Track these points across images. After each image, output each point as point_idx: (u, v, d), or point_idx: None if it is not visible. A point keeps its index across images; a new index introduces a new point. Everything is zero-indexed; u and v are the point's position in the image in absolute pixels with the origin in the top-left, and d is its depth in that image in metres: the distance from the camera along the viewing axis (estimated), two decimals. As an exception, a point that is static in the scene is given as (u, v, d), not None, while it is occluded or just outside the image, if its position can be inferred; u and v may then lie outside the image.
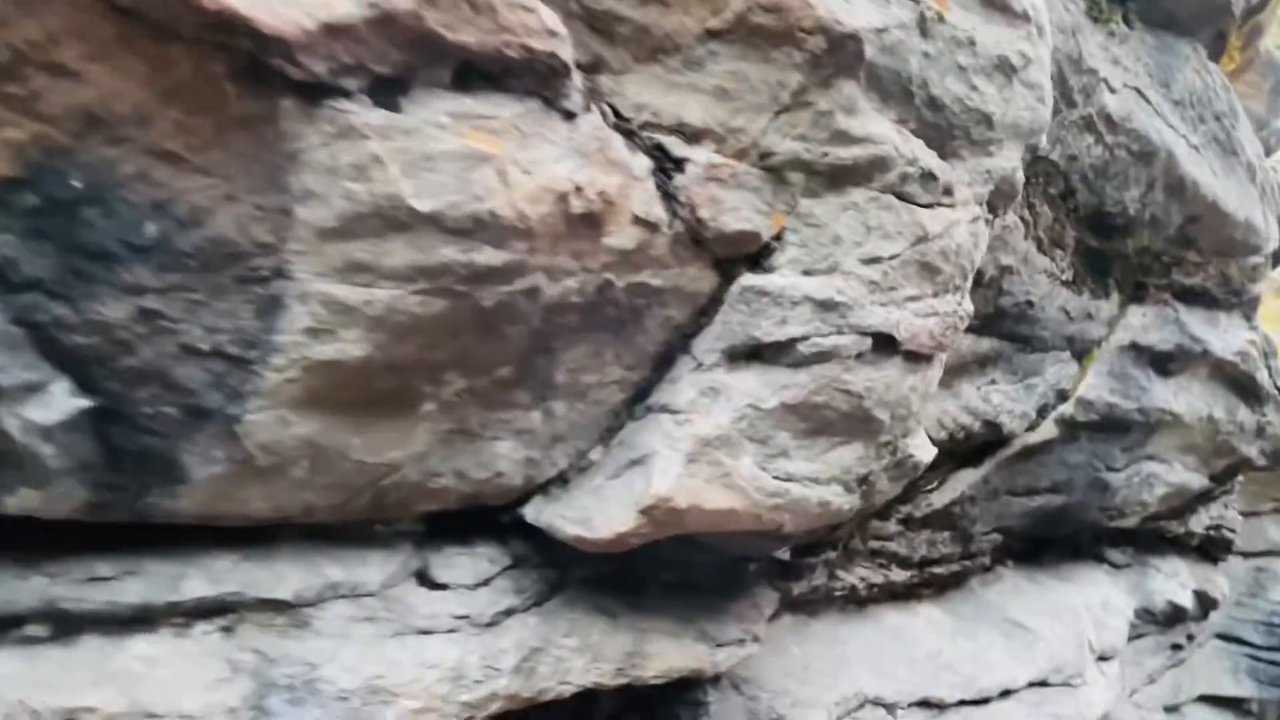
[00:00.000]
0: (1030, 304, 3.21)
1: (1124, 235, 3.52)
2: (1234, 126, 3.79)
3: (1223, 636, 8.56)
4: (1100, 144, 3.13)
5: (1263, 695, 8.36)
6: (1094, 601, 4.35)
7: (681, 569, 2.46)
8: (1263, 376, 4.57)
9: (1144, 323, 3.84)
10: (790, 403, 2.03)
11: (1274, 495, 8.54)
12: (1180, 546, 5.03)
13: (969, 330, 3.05)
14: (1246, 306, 4.39)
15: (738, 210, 1.88)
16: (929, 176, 2.07)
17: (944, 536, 3.46)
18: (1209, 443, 4.53)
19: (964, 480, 3.37)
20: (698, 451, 1.95)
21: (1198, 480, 4.66)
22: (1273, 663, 8.35)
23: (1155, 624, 4.89)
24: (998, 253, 2.89)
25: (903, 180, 2.04)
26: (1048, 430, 3.54)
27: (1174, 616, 4.94)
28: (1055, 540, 4.39)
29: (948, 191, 2.13)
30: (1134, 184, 3.35)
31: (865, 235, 2.02)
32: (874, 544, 3.20)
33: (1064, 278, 3.39)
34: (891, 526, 3.23)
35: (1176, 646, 5.07)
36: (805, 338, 1.98)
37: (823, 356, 2.02)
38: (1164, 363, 4.05)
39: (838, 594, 3.13)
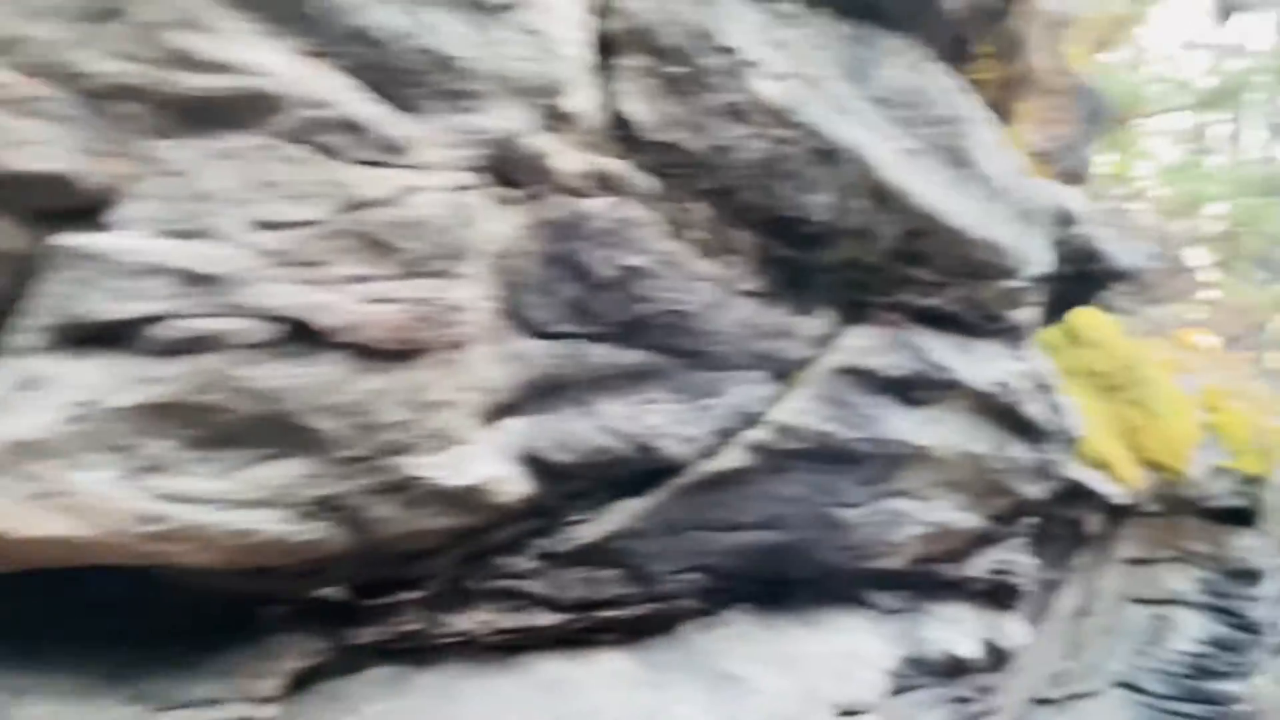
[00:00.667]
0: (686, 314, 2.78)
1: (823, 246, 3.11)
2: (962, 135, 3.40)
3: (1123, 685, 8.17)
4: (762, 137, 2.72)
5: None
6: (838, 650, 3.88)
7: (160, 612, 1.99)
8: (1035, 411, 4.16)
9: (867, 345, 3.42)
10: (161, 402, 1.58)
11: (1171, 543, 8.20)
12: (963, 592, 4.58)
13: (599, 339, 2.62)
14: (1009, 335, 3.99)
15: (39, 147, 1.45)
16: (353, 127, 1.64)
17: (611, 575, 2.99)
18: (977, 480, 4.11)
19: (625, 512, 2.91)
20: (4, 461, 1.49)
21: (970, 520, 4.22)
22: (1173, 713, 7.98)
23: (932, 675, 4.42)
24: (613, 250, 2.47)
25: (312, 128, 1.61)
26: (735, 458, 3.09)
27: (954, 668, 4.47)
28: (804, 582, 3.94)
29: (395, 149, 1.70)
30: (821, 187, 2.94)
31: (257, 193, 1.59)
32: (500, 583, 2.73)
33: (744, 288, 2.97)
34: (524, 563, 2.76)
35: (963, 700, 4.59)
36: (163, 317, 1.54)
37: (201, 344, 1.57)
38: (904, 390, 3.63)
39: (446, 641, 2.65)
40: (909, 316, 3.52)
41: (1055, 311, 5.15)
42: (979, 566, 4.47)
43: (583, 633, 3.07)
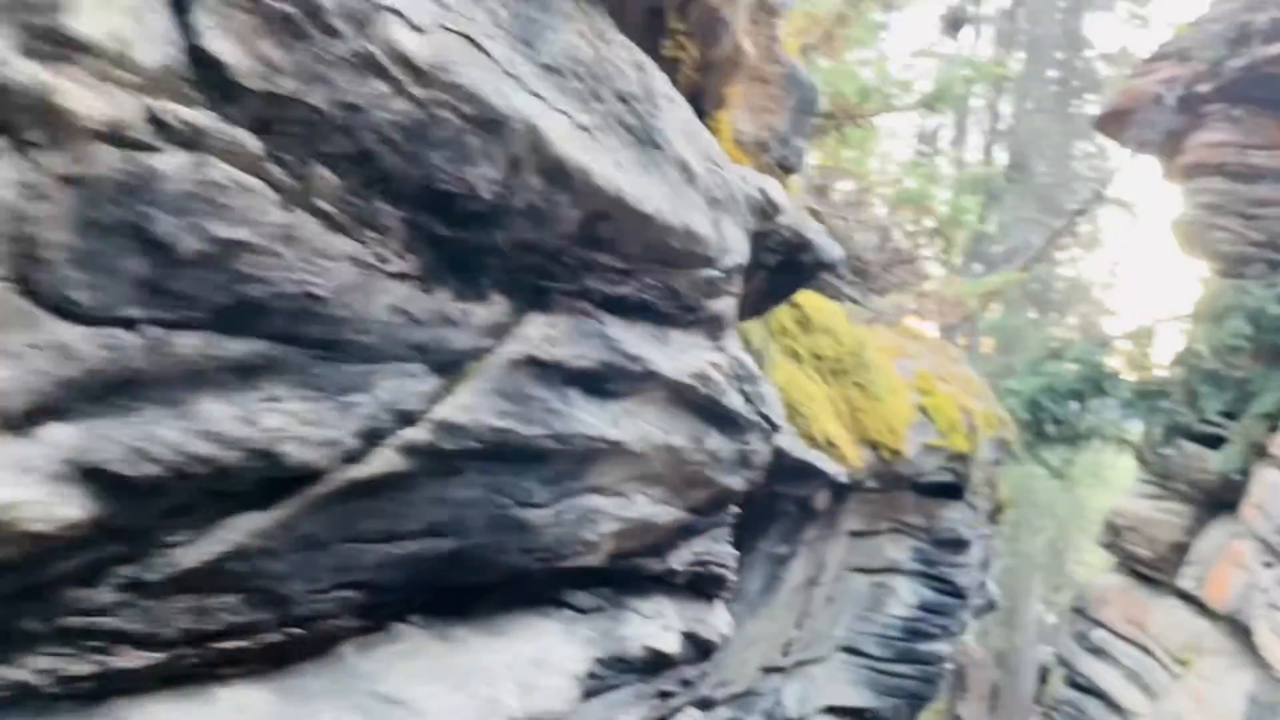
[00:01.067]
0: (317, 298, 2.35)
1: (492, 226, 2.76)
2: (652, 115, 3.17)
3: (846, 650, 8.53)
4: (404, 97, 2.33)
5: (880, 704, 8.39)
6: (525, 658, 3.60)
7: None
8: (736, 402, 4.06)
9: (551, 335, 3.12)
10: None
11: (890, 516, 8.61)
12: (666, 585, 4.45)
13: (187, 327, 2.14)
14: (708, 325, 3.84)
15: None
16: None
17: (229, 602, 2.52)
18: (676, 473, 3.95)
19: (241, 529, 2.45)
20: None
21: (670, 514, 4.07)
22: (889, 674, 8.41)
23: (634, 673, 4.26)
24: (200, 219, 2.00)
25: None
26: (389, 461, 2.70)
27: (656, 663, 4.33)
28: (489, 588, 3.62)
29: None
30: (484, 160, 2.58)
31: None
32: (72, 621, 2.21)
33: (394, 269, 2.56)
34: (105, 596, 2.25)
35: (664, 694, 4.46)
36: None
37: None
38: (595, 383, 3.38)
39: (-11, 696, 2.12)
40: (597, 304, 3.26)
41: (766, 300, 5.10)
42: (681, 559, 4.35)
43: (200, 667, 2.58)
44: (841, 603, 8.27)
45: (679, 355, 3.65)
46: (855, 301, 9.55)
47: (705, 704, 7.64)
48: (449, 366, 2.82)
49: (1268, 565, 10.73)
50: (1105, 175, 17.95)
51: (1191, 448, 14.31)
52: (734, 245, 3.67)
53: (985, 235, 17.98)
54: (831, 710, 8.09)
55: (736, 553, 4.75)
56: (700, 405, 3.83)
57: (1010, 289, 17.15)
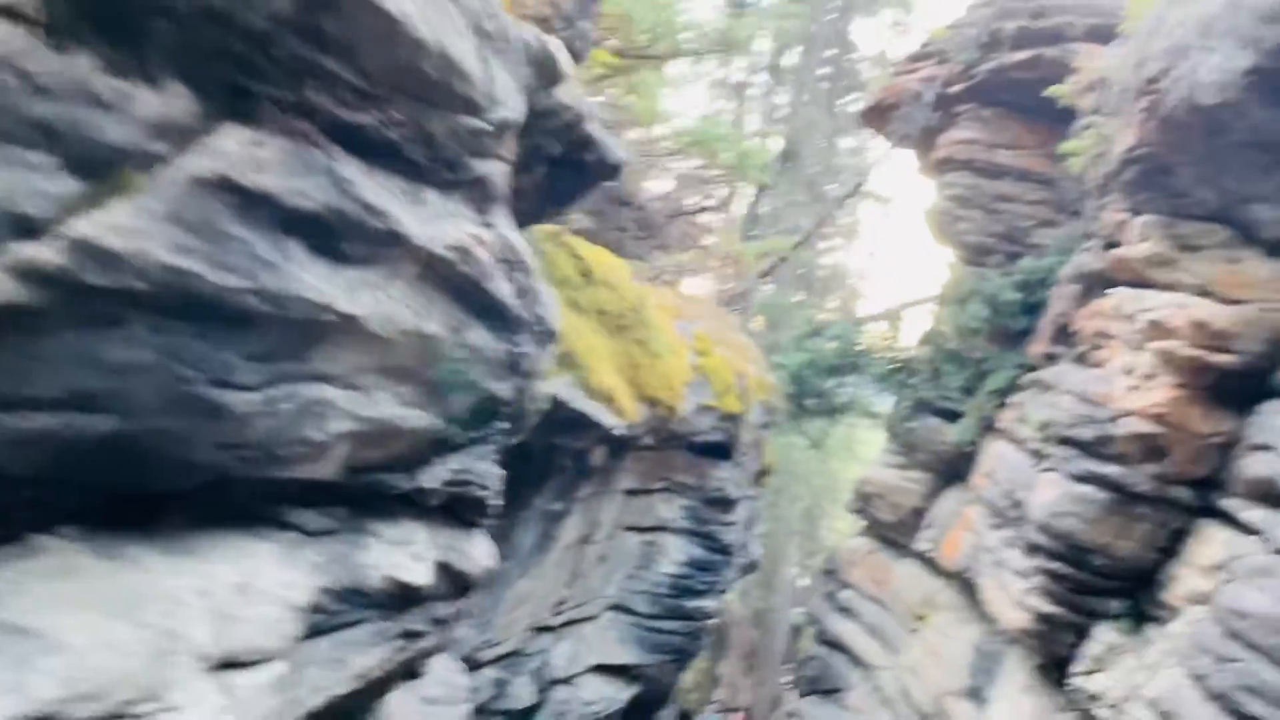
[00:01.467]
0: None
1: (169, -24, 2.00)
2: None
3: (616, 608, 8.12)
4: None
5: (647, 661, 8.03)
6: (222, 584, 2.83)
7: None
8: (504, 291, 3.45)
9: (258, 156, 2.37)
10: None
11: (663, 475, 8.27)
12: (417, 508, 3.77)
13: None
14: (473, 191, 3.21)
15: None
16: None
17: None
18: (429, 368, 3.29)
19: None
20: None
21: (422, 419, 3.40)
22: (657, 630, 8.07)
23: (374, 607, 3.57)
24: None
25: None
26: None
27: (402, 597, 3.65)
28: (181, 496, 2.82)
29: None
30: None
31: None
32: None
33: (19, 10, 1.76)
34: None
35: (412, 634, 3.80)
36: None
37: None
38: (322, 236, 2.66)
39: None
40: (326, 132, 2.54)
41: (546, 204, 4.53)
42: (435, 476, 3.69)
43: None
44: (614, 561, 7.90)
45: (435, 221, 2.99)
46: (639, 258, 9.19)
47: (471, 664, 7.00)
48: (98, 168, 2.01)
49: (994, 527, 11.42)
50: (865, 168, 18.93)
51: (933, 421, 15.17)
52: (506, 97, 3.05)
53: (760, 218, 18.39)
54: (600, 669, 7.69)
55: (502, 472, 4.14)
56: (460, 288, 3.19)
57: (781, 271, 17.62)
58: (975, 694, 11.89)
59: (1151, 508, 8.49)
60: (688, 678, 28.22)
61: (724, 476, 8.22)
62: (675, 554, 8.08)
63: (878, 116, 16.29)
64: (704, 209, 10.87)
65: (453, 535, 3.88)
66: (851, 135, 20.81)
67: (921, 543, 15.51)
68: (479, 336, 3.31)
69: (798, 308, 16.47)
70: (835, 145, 20.83)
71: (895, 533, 16.59)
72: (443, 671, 3.81)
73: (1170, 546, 8.58)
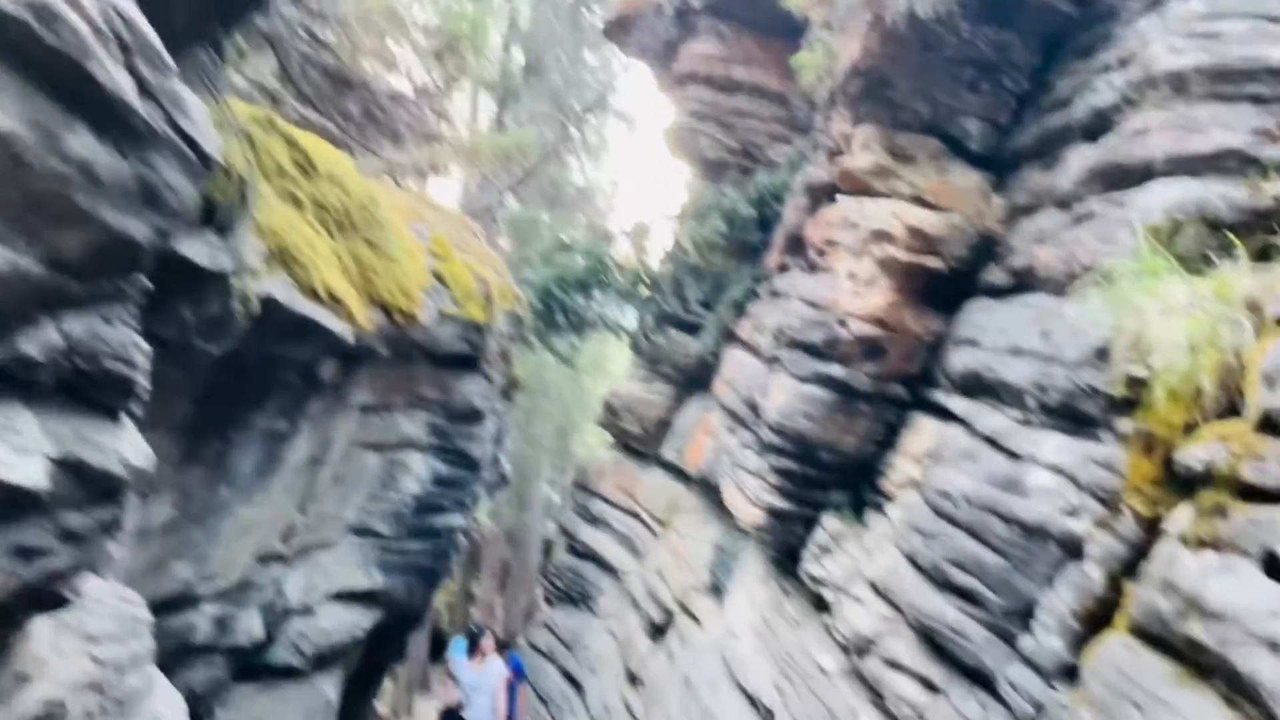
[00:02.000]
0: None
1: None
2: None
3: (356, 531, 7.39)
4: None
5: (392, 583, 7.42)
6: None
7: None
8: (120, 83, 2.47)
9: None
10: None
11: (405, 389, 7.56)
12: (18, 386, 2.85)
13: None
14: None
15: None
16: None
17: None
18: (15, 191, 2.42)
19: None
20: None
21: (9, 261, 2.51)
22: (401, 551, 7.46)
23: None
24: None
25: None
26: None
27: (9, 503, 2.78)
28: None
29: None
30: None
31: None
32: None
33: None
34: None
35: (30, 553, 2.92)
36: None
37: None
38: None
39: None
40: None
41: (209, 14, 3.68)
42: (44, 344, 2.79)
43: None
44: (351, 482, 7.20)
45: None
46: (368, 152, 8.29)
47: (187, 601, 6.11)
48: None
49: (731, 431, 11.78)
50: (609, 83, 18.64)
51: (676, 335, 15.45)
52: None
53: (504, 130, 17.61)
54: (340, 596, 7.03)
55: (148, 347, 3.28)
56: (47, 68, 2.33)
57: (528, 186, 17.06)
58: (715, 589, 12.41)
59: (871, 405, 9.01)
60: (440, 599, 27.96)
61: (470, 389, 7.69)
62: (420, 471, 7.49)
63: (620, 29, 15.96)
64: (435, 97, 10.02)
65: (82, 424, 3.01)
66: (596, 50, 20.42)
67: (668, 452, 15.92)
68: (87, 146, 2.49)
69: (545, 223, 16.02)
70: (579, 59, 20.37)
71: (642, 444, 16.92)
72: (112, 602, 3.09)
73: (887, 439, 9.19)
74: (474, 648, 11.06)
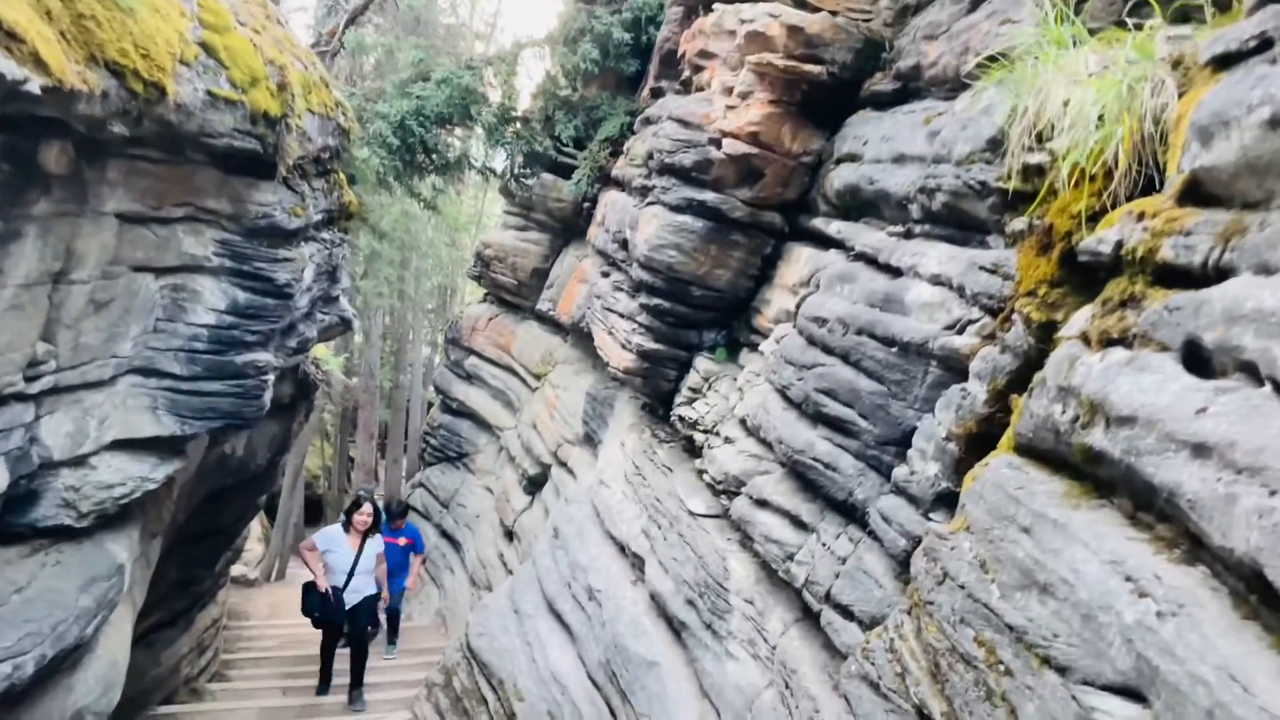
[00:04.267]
0: None
1: None
2: None
3: (139, 371, 6.11)
4: None
5: (189, 430, 6.25)
6: None
7: None
8: None
9: None
10: None
11: (183, 199, 6.03)
12: None
13: None
14: None
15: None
16: None
17: None
18: None
19: None
20: None
21: None
22: (198, 393, 6.24)
23: None
24: None
25: None
26: None
27: None
28: None
29: None
30: None
31: None
32: None
33: None
34: None
35: None
36: None
37: None
38: None
39: None
40: None
41: None
42: None
43: None
44: (120, 310, 5.89)
45: None
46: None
47: None
48: None
49: (604, 274, 10.87)
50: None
51: (549, 178, 14.22)
52: None
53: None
54: (122, 444, 5.87)
55: None
56: None
57: (383, 9, 15.05)
58: (589, 439, 11.76)
59: (746, 234, 8.18)
60: (313, 462, 26.81)
61: (269, 200, 6.33)
62: (212, 299, 6.20)
63: None
64: None
65: None
66: None
67: (543, 303, 14.96)
68: None
69: (399, 50, 14.22)
70: None
71: (517, 296, 15.89)
72: None
73: (764, 273, 8.43)
74: (352, 520, 10.06)
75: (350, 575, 10.01)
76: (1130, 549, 3.02)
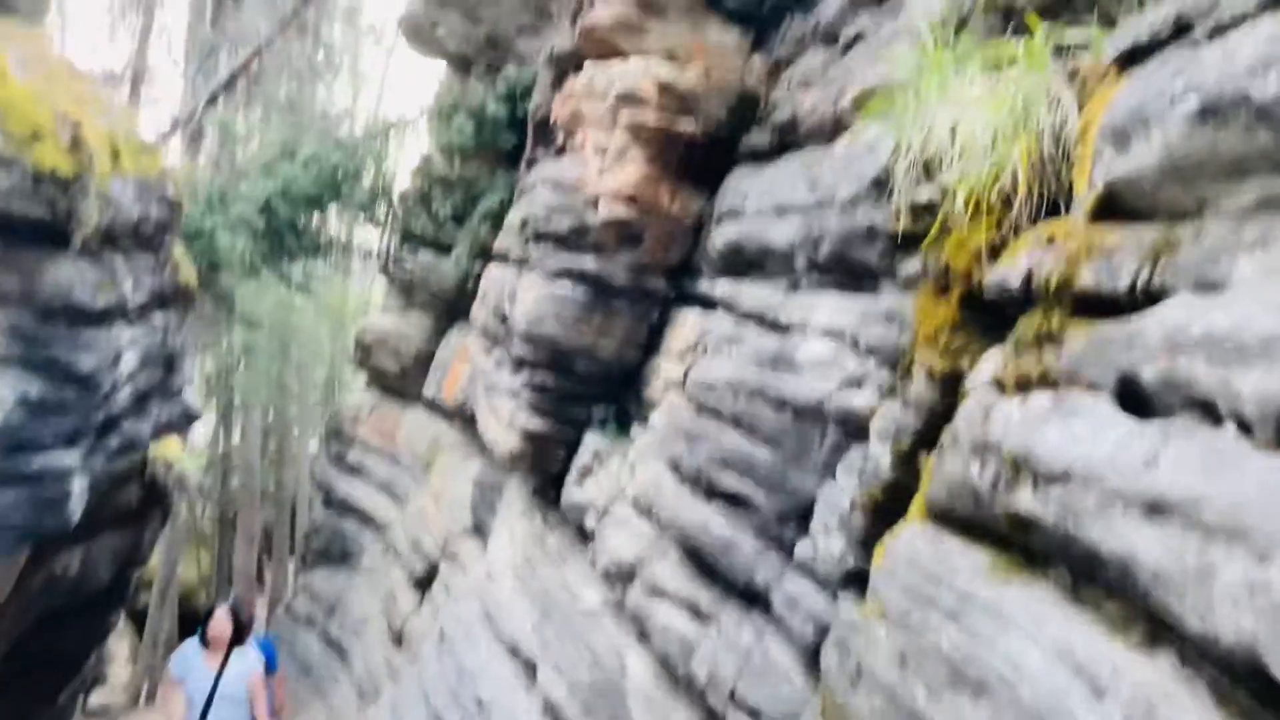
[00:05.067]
0: None
1: None
2: None
3: None
4: None
5: None
6: None
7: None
8: None
9: None
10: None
11: None
12: None
13: None
14: None
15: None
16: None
17: None
18: None
19: None
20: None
21: None
22: None
23: None
24: None
25: None
26: None
27: None
28: None
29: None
30: None
31: None
32: None
33: None
34: None
35: None
36: None
37: None
38: None
39: None
40: None
41: None
42: None
43: None
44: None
45: None
46: None
47: None
48: None
49: (486, 352, 10.16)
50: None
51: (429, 258, 13.54)
52: None
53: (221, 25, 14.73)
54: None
55: None
56: None
57: (243, 90, 14.30)
58: (479, 530, 10.85)
59: (629, 302, 7.64)
60: (191, 573, 24.59)
61: (67, 276, 5.42)
62: None
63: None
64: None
65: None
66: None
67: (429, 389, 14.08)
68: None
69: (265, 128, 13.46)
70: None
71: (401, 382, 14.95)
72: None
73: (651, 342, 7.88)
74: (207, 635, 8.00)
75: (207, 706, 8.03)
76: (1077, 634, 2.46)
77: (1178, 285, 2.37)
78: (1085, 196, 2.78)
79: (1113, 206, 2.65)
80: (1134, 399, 2.46)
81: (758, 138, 6.57)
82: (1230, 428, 2.10)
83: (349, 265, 25.87)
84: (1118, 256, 2.57)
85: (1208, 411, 2.20)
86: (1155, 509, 2.17)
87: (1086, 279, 2.66)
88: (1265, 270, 2.11)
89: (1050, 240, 2.86)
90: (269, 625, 16.99)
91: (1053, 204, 3.14)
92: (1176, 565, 2.06)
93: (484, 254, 11.93)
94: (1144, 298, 2.48)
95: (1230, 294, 2.18)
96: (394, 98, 40.13)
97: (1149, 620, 2.30)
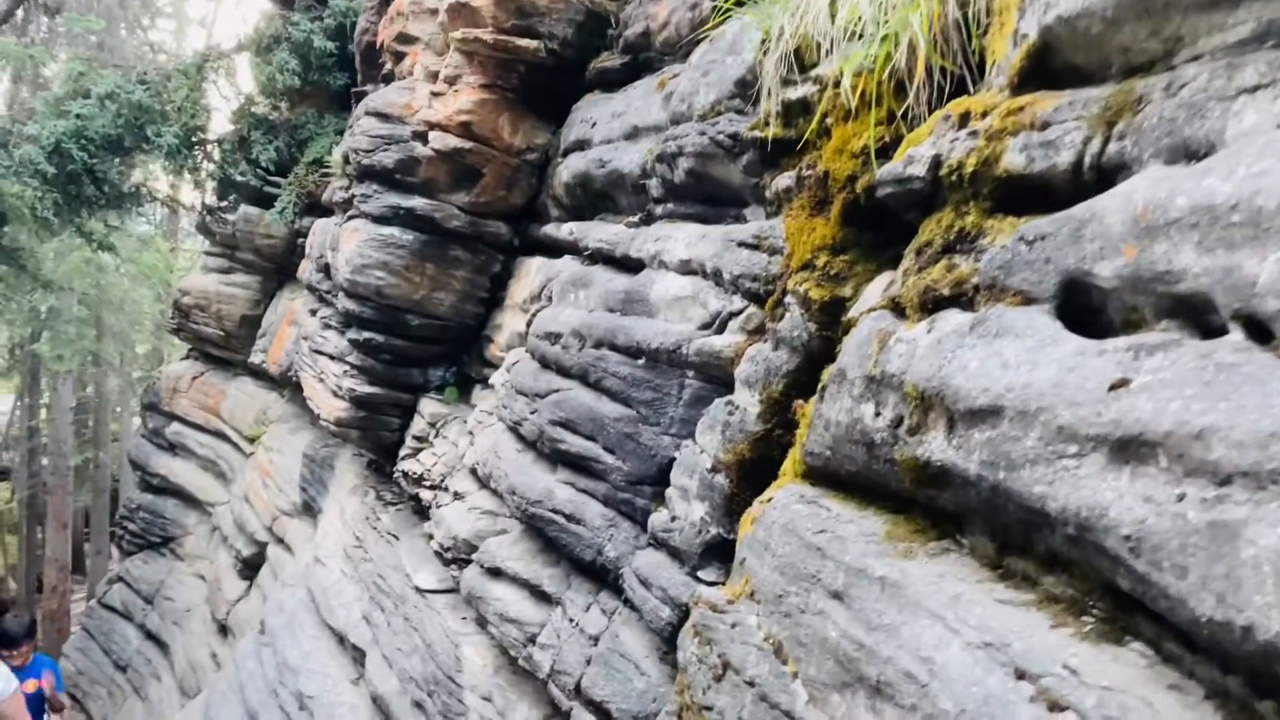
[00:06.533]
0: None
1: None
2: None
3: None
4: None
5: None
6: None
7: None
8: None
9: None
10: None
11: None
12: None
13: None
14: None
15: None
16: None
17: None
18: None
19: None
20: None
21: None
22: None
23: None
24: None
25: None
26: None
27: None
28: None
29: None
30: None
31: None
32: None
33: None
34: None
35: None
36: None
37: None
38: None
39: None
40: None
41: None
42: None
43: None
44: None
45: None
46: None
47: None
48: None
49: (312, 312, 8.97)
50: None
51: (253, 211, 12.05)
52: None
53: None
54: None
55: None
56: None
57: (30, 19, 12.22)
58: (309, 508, 9.68)
59: (467, 248, 6.72)
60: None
61: None
62: None
63: None
64: None
65: None
66: None
67: (255, 356, 12.63)
68: None
69: (50, 59, 11.53)
70: None
71: (225, 349, 13.39)
72: None
73: (493, 295, 6.99)
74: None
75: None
76: (1013, 619, 1.82)
77: (1143, 156, 1.74)
78: (1008, 58, 2.12)
79: (1048, 65, 2.00)
80: (1081, 311, 1.82)
81: (609, 60, 5.75)
82: (1235, 334, 1.47)
83: (175, 224, 23.33)
84: (1057, 127, 1.92)
85: (1193, 317, 1.58)
86: (1128, 448, 1.54)
87: (1014, 160, 2.01)
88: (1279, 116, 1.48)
89: (965, 119, 2.20)
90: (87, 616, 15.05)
91: (958, 85, 2.49)
92: (1171, 526, 1.42)
93: (314, 207, 10.62)
94: (1095, 177, 1.84)
95: (1226, 155, 1.55)
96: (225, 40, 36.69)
97: (1108, 601, 1.69)
